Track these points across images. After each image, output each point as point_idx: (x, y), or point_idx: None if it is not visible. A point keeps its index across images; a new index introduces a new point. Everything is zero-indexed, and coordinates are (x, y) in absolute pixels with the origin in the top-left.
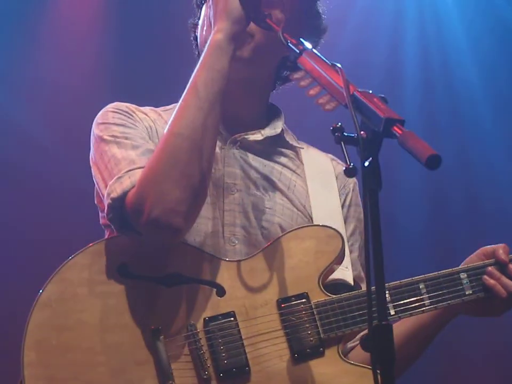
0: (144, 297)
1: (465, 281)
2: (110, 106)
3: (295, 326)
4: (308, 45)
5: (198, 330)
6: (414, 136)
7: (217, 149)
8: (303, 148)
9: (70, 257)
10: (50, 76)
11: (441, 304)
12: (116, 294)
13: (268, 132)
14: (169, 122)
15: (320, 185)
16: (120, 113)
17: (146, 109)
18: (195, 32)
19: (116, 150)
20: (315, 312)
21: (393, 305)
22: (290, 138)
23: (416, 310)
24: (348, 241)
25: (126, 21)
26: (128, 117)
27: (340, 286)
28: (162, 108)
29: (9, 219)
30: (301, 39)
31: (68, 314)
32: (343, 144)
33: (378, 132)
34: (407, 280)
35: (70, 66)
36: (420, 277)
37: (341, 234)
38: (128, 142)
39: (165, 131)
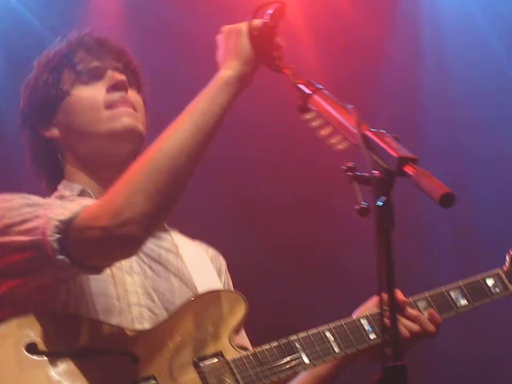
0: (59, 373)
1: (367, 327)
2: None
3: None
4: (319, 85)
5: None
6: (427, 174)
7: None
8: (176, 232)
9: None
10: None
11: (350, 349)
12: (28, 374)
13: None
14: (158, 139)
15: (199, 267)
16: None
17: None
18: (37, 136)
19: (23, 201)
20: (233, 367)
21: (306, 354)
22: (164, 222)
23: (328, 357)
24: None
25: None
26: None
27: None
28: None
29: None
30: (311, 80)
31: None
32: (355, 184)
33: (391, 171)
34: (313, 330)
35: None
36: (323, 326)
37: (244, 298)
38: (37, 197)
39: (151, 146)
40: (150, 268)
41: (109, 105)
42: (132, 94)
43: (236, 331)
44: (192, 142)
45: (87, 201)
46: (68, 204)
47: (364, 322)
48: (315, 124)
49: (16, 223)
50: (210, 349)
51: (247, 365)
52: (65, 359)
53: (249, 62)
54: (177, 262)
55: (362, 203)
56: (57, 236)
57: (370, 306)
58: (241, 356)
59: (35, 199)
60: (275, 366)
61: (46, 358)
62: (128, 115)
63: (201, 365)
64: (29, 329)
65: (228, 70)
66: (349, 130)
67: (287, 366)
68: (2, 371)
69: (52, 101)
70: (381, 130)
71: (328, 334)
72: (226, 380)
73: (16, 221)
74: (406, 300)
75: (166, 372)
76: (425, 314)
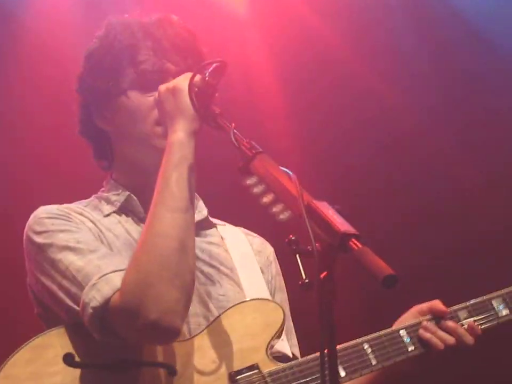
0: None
1: (405, 338)
2: (41, 213)
3: None
4: (259, 148)
5: None
6: (369, 253)
7: None
8: (224, 225)
9: (12, 354)
10: None
11: (387, 362)
12: None
13: (196, 216)
14: (148, 223)
15: (244, 262)
16: (57, 219)
17: (77, 207)
18: (89, 118)
19: (72, 257)
20: (269, 381)
21: (343, 367)
22: (211, 218)
23: (365, 370)
24: None
25: None
26: (68, 221)
27: (280, 358)
28: (81, 204)
29: None
30: (252, 142)
31: None
32: (298, 257)
33: (334, 246)
34: (351, 342)
35: None
36: (362, 338)
37: (281, 307)
38: (83, 247)
39: (145, 232)
40: (202, 272)
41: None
42: None
43: (275, 339)
44: (179, 214)
45: (116, 279)
46: (100, 283)
47: (402, 333)
48: (256, 190)
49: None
50: (247, 361)
51: (283, 379)
52: (101, 371)
53: (193, 119)
54: (229, 260)
55: (305, 278)
56: (93, 324)
57: (409, 316)
58: (277, 369)
59: (82, 255)
60: (311, 379)
61: (81, 370)
62: None
63: (237, 378)
64: (68, 340)
65: (178, 132)
66: (291, 199)
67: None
68: (38, 383)
69: (107, 93)
70: (322, 202)
71: (366, 346)
72: None
73: (63, 281)
74: (445, 309)
75: None
76: (466, 324)
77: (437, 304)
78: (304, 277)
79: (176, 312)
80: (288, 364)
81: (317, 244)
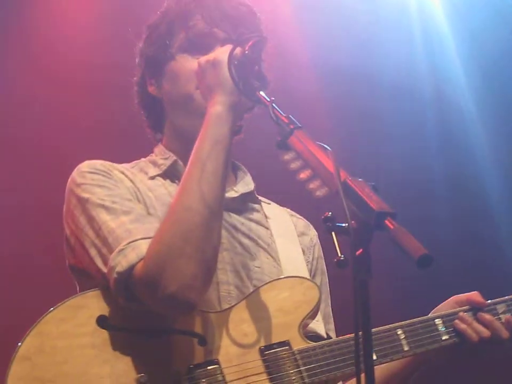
0: (126, 347)
1: (440, 327)
2: (84, 166)
3: (279, 372)
4: (298, 123)
5: (183, 377)
6: (405, 232)
7: None
8: (269, 204)
9: (47, 312)
10: None
11: (420, 349)
12: (97, 345)
13: (242, 188)
14: (177, 195)
15: (285, 240)
16: (98, 174)
17: (121, 166)
18: (145, 87)
19: (105, 217)
20: (298, 358)
21: (374, 351)
22: (255, 193)
23: (396, 355)
24: None
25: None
26: (108, 178)
27: (314, 338)
28: (128, 165)
29: None
30: (291, 116)
31: (48, 367)
32: (334, 234)
33: (369, 224)
34: (385, 327)
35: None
36: (397, 323)
37: (317, 286)
38: (117, 207)
39: (173, 204)
40: (240, 243)
41: None
42: None
43: (309, 318)
44: (210, 189)
45: (143, 247)
46: (127, 249)
47: (438, 322)
48: (294, 165)
49: (94, 240)
50: (278, 337)
51: (313, 357)
52: (132, 336)
53: (233, 93)
54: (267, 236)
55: (341, 255)
56: (118, 288)
57: (447, 306)
58: (308, 347)
59: (116, 216)
60: (340, 360)
61: (112, 333)
62: None
63: (266, 352)
64: (104, 302)
65: (217, 105)
66: (328, 175)
67: (352, 361)
68: (69, 342)
69: (158, 60)
70: (359, 179)
71: (399, 332)
72: (290, 370)
73: (96, 240)
74: (483, 302)
75: (231, 356)
76: (503, 318)
77: (476, 295)
78: (339, 254)
79: (193, 287)
80: (319, 343)
81: (352, 222)
